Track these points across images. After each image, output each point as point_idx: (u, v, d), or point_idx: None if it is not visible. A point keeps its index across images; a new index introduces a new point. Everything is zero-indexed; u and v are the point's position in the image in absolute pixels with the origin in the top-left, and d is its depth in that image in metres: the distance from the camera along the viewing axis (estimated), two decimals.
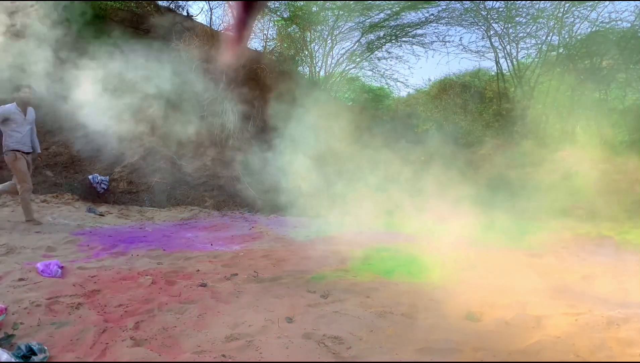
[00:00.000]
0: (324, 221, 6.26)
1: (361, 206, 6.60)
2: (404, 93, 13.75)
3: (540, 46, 10.51)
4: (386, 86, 12.67)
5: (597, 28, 9.66)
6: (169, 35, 8.74)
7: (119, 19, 8.15)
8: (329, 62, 11.38)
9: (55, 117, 6.90)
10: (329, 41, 11.06)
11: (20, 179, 5.15)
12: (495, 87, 11.48)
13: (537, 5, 9.87)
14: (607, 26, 9.54)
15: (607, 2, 9.50)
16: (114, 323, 2.44)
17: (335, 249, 4.68)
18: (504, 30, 10.45)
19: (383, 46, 11.44)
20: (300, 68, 11.29)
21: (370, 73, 12.35)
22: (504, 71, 11.20)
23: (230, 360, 2.12)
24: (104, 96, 7.20)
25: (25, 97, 5.23)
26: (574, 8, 9.51)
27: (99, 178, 6.31)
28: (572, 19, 9.74)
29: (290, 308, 2.78)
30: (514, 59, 10.84)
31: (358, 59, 11.79)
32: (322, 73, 11.43)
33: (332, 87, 11.60)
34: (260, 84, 7.89)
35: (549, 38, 10.30)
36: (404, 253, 4.58)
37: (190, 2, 17.63)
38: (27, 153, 5.26)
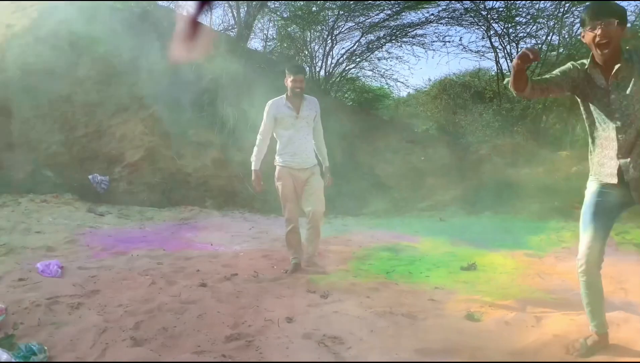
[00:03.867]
0: (323, 221, 6.26)
1: (361, 206, 6.61)
2: (404, 93, 13.71)
3: (540, 46, 10.50)
4: (386, 86, 12.66)
5: None
6: (167, 34, 8.72)
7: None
8: (329, 62, 11.40)
9: (55, 116, 6.90)
10: (329, 41, 11.07)
11: (283, 208, 3.70)
12: (495, 87, 11.46)
13: (537, 5, 9.87)
14: None
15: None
16: (114, 323, 2.44)
17: (335, 249, 4.68)
18: (504, 30, 10.43)
19: (383, 46, 11.44)
20: None
21: (370, 73, 12.33)
22: (504, 71, 11.17)
23: (230, 360, 2.12)
24: (102, 96, 7.20)
25: (294, 86, 3.53)
26: (574, 8, 9.50)
27: (99, 178, 6.30)
28: (572, 19, 9.73)
29: (290, 308, 2.78)
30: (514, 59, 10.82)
31: (358, 59, 11.79)
32: (322, 73, 11.45)
33: (332, 87, 11.59)
34: (261, 83, 7.87)
35: (549, 38, 10.30)
36: (404, 253, 4.58)
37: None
38: (299, 169, 3.63)
